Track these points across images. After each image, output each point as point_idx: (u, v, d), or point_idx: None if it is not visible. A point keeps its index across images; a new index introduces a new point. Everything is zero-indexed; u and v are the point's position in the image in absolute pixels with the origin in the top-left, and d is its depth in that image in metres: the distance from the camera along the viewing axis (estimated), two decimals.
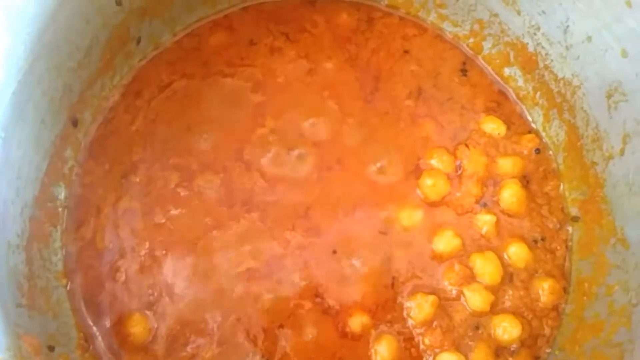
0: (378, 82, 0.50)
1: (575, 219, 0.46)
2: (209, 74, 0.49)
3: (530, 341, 0.44)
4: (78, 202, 0.45)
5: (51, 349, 0.36)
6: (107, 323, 0.42)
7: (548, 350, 0.43)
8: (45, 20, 0.35)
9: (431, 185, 0.47)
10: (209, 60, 0.50)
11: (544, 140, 0.49)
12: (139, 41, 0.47)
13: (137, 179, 0.46)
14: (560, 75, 0.45)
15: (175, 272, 0.44)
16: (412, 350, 0.43)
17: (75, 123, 0.44)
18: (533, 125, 0.50)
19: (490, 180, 0.48)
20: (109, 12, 0.41)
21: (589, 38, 0.40)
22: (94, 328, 0.42)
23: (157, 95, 0.48)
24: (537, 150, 0.49)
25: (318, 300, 0.44)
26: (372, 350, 0.43)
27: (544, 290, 0.45)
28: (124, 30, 0.44)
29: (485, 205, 0.47)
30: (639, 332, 0.35)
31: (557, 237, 0.47)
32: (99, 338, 0.42)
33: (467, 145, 0.48)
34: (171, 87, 0.49)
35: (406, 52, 0.52)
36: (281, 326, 0.44)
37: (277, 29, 0.51)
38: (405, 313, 0.44)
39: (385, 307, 0.44)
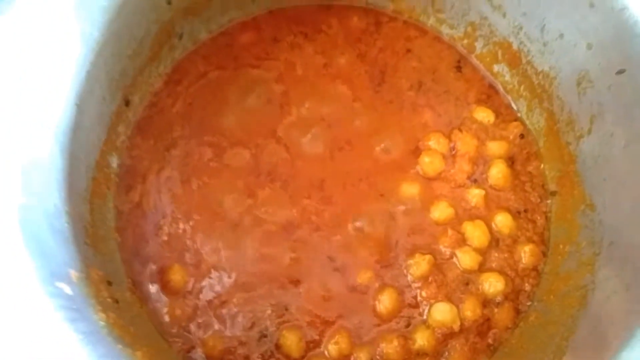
0: (384, 76, 0.58)
1: (553, 193, 0.53)
2: (239, 66, 0.57)
3: (512, 295, 0.50)
4: (127, 171, 0.52)
5: (110, 283, 0.43)
6: (151, 272, 0.50)
7: (528, 304, 0.50)
8: (113, 12, 0.42)
9: (429, 163, 0.54)
10: (239, 55, 0.58)
11: (527, 127, 0.57)
12: (181, 37, 0.55)
13: (177, 153, 0.54)
14: (539, 69, 0.53)
15: (207, 231, 0.51)
16: (411, 300, 0.50)
17: (127, 103, 0.52)
18: (518, 114, 0.57)
19: (480, 160, 0.55)
20: (161, 9, 0.49)
21: (562, 35, 0.48)
22: (140, 276, 0.49)
23: (195, 83, 0.56)
24: (522, 136, 0.56)
25: (329, 259, 0.52)
26: (376, 301, 0.50)
27: (525, 253, 0.52)
28: (170, 26, 0.52)
29: (475, 181, 0.54)
30: (599, 275, 0.42)
31: (537, 209, 0.54)
32: (144, 284, 0.49)
33: (460, 130, 0.56)
34: (207, 76, 0.57)
35: (409, 50, 0.60)
36: (298, 281, 0.51)
37: (297, 29, 0.59)
38: (405, 270, 0.51)
39: (387, 265, 0.51)
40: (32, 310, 0.29)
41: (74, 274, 0.35)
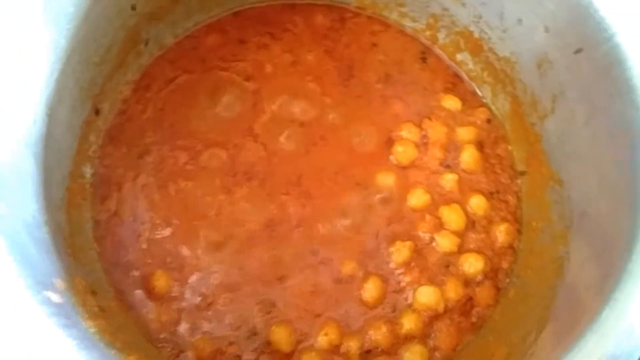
0: (352, 70, 0.59)
1: (522, 173, 0.55)
2: (207, 69, 0.57)
3: (491, 274, 0.52)
4: (102, 180, 0.52)
5: (94, 293, 0.42)
6: (134, 279, 0.49)
7: (507, 280, 0.52)
8: (80, 19, 0.42)
9: (402, 152, 0.55)
10: (206, 58, 0.58)
11: (493, 111, 0.59)
12: (147, 42, 0.54)
13: (151, 159, 0.53)
14: (501, 55, 0.55)
15: (188, 234, 0.51)
16: (395, 286, 0.51)
17: (97, 112, 0.51)
18: (484, 100, 0.59)
19: (451, 146, 0.57)
20: (126, 15, 0.49)
21: (520, 20, 0.50)
22: (123, 284, 0.49)
23: (164, 88, 0.56)
24: (488, 121, 0.58)
25: (313, 254, 0.52)
26: (362, 290, 0.51)
27: (501, 232, 0.53)
28: (136, 32, 0.52)
29: (448, 166, 0.56)
30: (572, 245, 0.44)
31: (509, 190, 0.56)
32: (128, 292, 0.49)
33: (430, 118, 0.57)
34: (175, 81, 0.56)
35: (374, 45, 0.61)
36: (283, 277, 0.51)
37: (263, 29, 0.60)
38: (387, 258, 0.52)
39: (370, 254, 0.52)
40: (26, 317, 0.28)
41: (59, 283, 0.34)
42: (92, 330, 0.34)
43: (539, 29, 0.48)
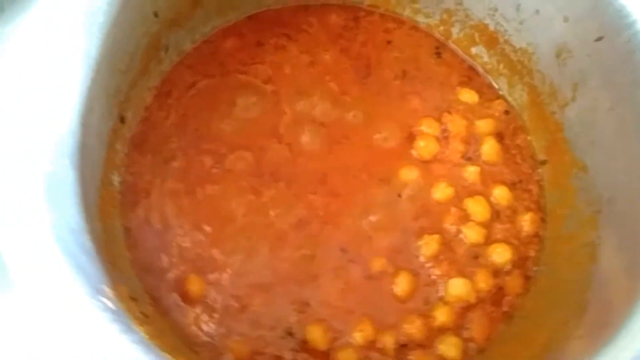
0: (369, 68, 0.60)
1: (543, 162, 0.56)
2: (226, 73, 0.58)
3: (520, 263, 0.53)
4: (129, 188, 0.52)
5: (133, 299, 0.43)
6: (167, 286, 0.49)
7: (535, 268, 0.52)
8: (109, 27, 0.42)
9: (424, 146, 0.56)
10: (225, 62, 0.58)
11: (510, 103, 0.59)
12: (167, 49, 0.55)
13: (177, 164, 0.53)
14: (517, 47, 0.56)
15: (219, 238, 0.51)
16: (426, 280, 0.52)
17: (122, 120, 0.51)
18: (500, 92, 0.60)
19: (472, 139, 0.57)
20: (149, 22, 0.49)
21: (537, 11, 0.51)
22: (158, 290, 0.49)
23: (185, 94, 0.56)
24: (506, 112, 0.59)
25: (342, 252, 0.52)
26: (393, 285, 0.51)
27: (526, 221, 0.54)
28: (157, 38, 0.52)
29: (469, 159, 0.57)
30: (604, 230, 0.45)
31: (531, 179, 0.56)
32: (163, 298, 0.49)
33: (449, 112, 0.58)
34: (195, 86, 0.57)
35: (389, 42, 0.62)
36: (315, 276, 0.51)
37: (279, 31, 0.60)
38: (416, 252, 0.52)
39: (398, 250, 0.52)
40: (91, 323, 0.28)
41: (108, 290, 0.35)
42: (144, 335, 0.34)
43: (558, 19, 0.49)
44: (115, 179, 0.51)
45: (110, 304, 0.31)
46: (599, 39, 0.45)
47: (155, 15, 0.49)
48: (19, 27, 0.34)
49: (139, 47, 0.50)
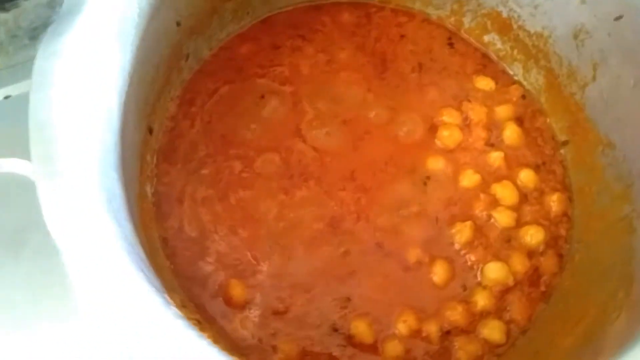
0: (386, 63, 0.60)
1: (565, 143, 0.57)
2: (246, 77, 0.58)
3: (552, 242, 0.53)
4: (162, 199, 0.52)
5: (184, 307, 0.43)
6: (210, 292, 0.49)
7: (568, 246, 0.53)
8: (138, 40, 0.42)
9: (448, 136, 0.56)
10: (243, 67, 0.58)
11: (526, 87, 0.60)
12: (187, 58, 0.55)
13: (207, 172, 0.53)
14: (532, 31, 0.57)
15: (255, 241, 0.52)
16: (463, 266, 0.52)
17: (150, 131, 0.52)
18: (515, 78, 0.61)
19: (493, 125, 0.58)
20: (172, 32, 0.49)
21: None
22: (200, 298, 0.49)
23: (208, 101, 0.56)
24: (523, 97, 0.60)
25: (378, 246, 0.53)
26: (431, 274, 0.52)
27: (554, 202, 0.55)
28: (178, 48, 0.52)
29: (492, 145, 0.57)
30: (638, 202, 0.46)
31: (554, 160, 0.57)
32: (207, 305, 0.49)
33: (469, 101, 0.59)
34: (217, 92, 0.57)
35: (402, 36, 0.62)
36: (353, 272, 0.52)
37: (293, 33, 0.61)
38: (450, 240, 0.53)
39: (433, 239, 0.53)
40: (170, 331, 0.29)
41: (167, 298, 0.35)
42: (208, 340, 0.34)
43: (574, 1, 0.50)
44: (149, 190, 0.51)
45: (178, 312, 0.32)
46: (619, 17, 0.46)
47: (178, 24, 0.50)
48: (63, 44, 0.34)
49: (162, 57, 0.50)
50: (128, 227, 0.37)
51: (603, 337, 0.39)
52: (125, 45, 0.40)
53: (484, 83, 0.60)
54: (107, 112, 0.38)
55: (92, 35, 0.36)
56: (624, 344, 0.35)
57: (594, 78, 0.52)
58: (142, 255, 0.37)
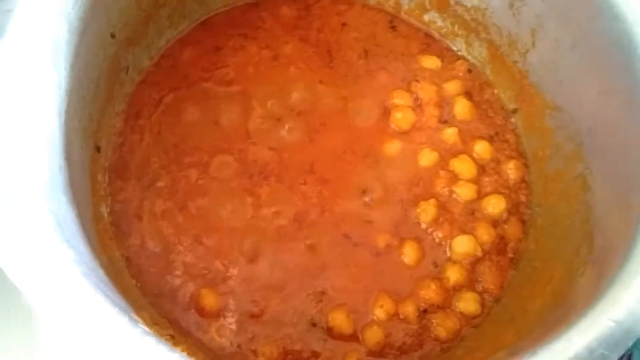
0: (331, 53, 0.60)
1: (514, 111, 0.58)
2: (191, 83, 0.57)
3: (514, 209, 0.54)
4: (120, 217, 0.50)
5: (156, 324, 0.42)
6: (182, 305, 0.48)
7: (529, 212, 0.54)
8: (73, 56, 0.41)
9: (401, 118, 0.57)
10: (187, 72, 0.57)
11: (471, 62, 0.61)
12: (127, 70, 0.53)
13: (163, 184, 0.52)
14: (469, 5, 0.57)
15: (222, 248, 0.51)
16: (431, 244, 0.53)
17: (98, 149, 0.50)
18: (459, 53, 0.62)
19: (443, 102, 0.59)
20: (107, 44, 0.48)
21: None
22: (173, 313, 0.48)
23: (154, 112, 0.55)
24: (469, 71, 0.61)
25: (345, 237, 0.53)
26: (402, 256, 0.52)
27: (511, 169, 0.56)
28: (116, 60, 0.51)
29: (446, 122, 0.58)
30: (590, 160, 0.47)
31: (506, 129, 0.58)
32: (180, 318, 0.48)
33: (417, 81, 0.59)
34: (163, 101, 0.55)
35: (344, 24, 0.62)
36: (324, 266, 0.51)
37: (234, 32, 0.60)
38: (416, 220, 0.53)
39: (399, 222, 0.53)
40: (139, 349, 0.28)
41: (135, 317, 0.34)
42: (184, 353, 0.33)
43: None
44: (104, 210, 0.49)
45: (147, 330, 0.31)
46: None
47: (112, 36, 0.48)
48: None
49: (101, 72, 0.48)
50: (84, 250, 0.35)
51: (570, 295, 0.40)
52: (59, 62, 0.39)
53: (430, 62, 0.61)
54: (47, 134, 0.36)
55: (20, 57, 0.34)
56: (590, 299, 0.36)
57: (533, 44, 0.53)
58: (103, 277, 0.36)
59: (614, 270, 0.37)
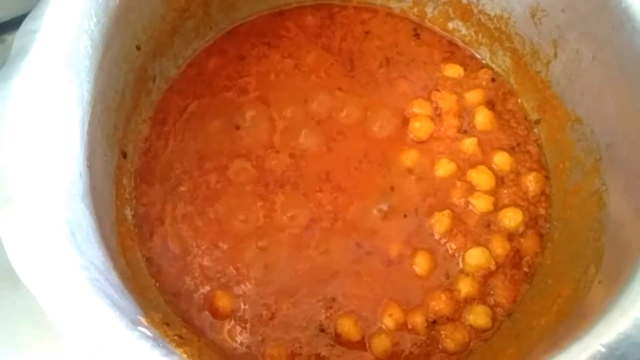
0: (353, 61, 0.61)
1: (537, 121, 0.57)
2: (215, 92, 0.59)
3: (532, 223, 0.54)
4: (143, 219, 0.53)
5: (167, 324, 0.44)
6: (197, 306, 0.51)
7: (548, 225, 0.53)
8: (96, 70, 0.43)
9: (420, 127, 0.57)
10: (212, 81, 0.59)
11: (495, 70, 0.60)
12: (154, 79, 0.56)
13: (184, 189, 0.55)
14: (492, 14, 0.57)
15: (237, 251, 0.52)
16: (444, 255, 0.53)
17: (125, 155, 0.53)
18: (483, 61, 0.61)
19: (464, 112, 0.58)
20: (133, 57, 0.50)
21: None
22: (188, 312, 0.50)
23: (179, 119, 0.57)
24: (493, 80, 0.60)
25: (358, 245, 0.53)
26: (414, 266, 0.52)
27: (531, 182, 0.55)
28: (143, 71, 0.53)
29: (465, 132, 0.57)
30: (607, 176, 0.45)
31: (528, 140, 0.57)
32: (195, 318, 0.50)
33: (438, 90, 0.59)
34: (187, 110, 0.58)
35: (367, 32, 0.63)
36: (336, 272, 0.52)
37: (259, 41, 0.61)
38: (429, 230, 0.54)
39: (413, 232, 0.53)
40: (133, 352, 0.30)
41: (142, 319, 0.36)
42: (184, 356, 0.35)
43: None
44: (128, 213, 0.52)
45: (148, 332, 0.33)
46: None
47: (138, 48, 0.51)
48: (12, 87, 0.35)
49: (127, 83, 0.51)
50: (98, 254, 0.38)
51: (573, 314, 0.39)
52: (80, 77, 0.41)
53: (453, 70, 0.60)
54: (66, 144, 0.39)
55: (43, 73, 0.37)
56: (594, 319, 0.35)
57: (555, 55, 0.51)
58: (114, 280, 0.38)
59: (620, 289, 0.36)
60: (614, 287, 0.36)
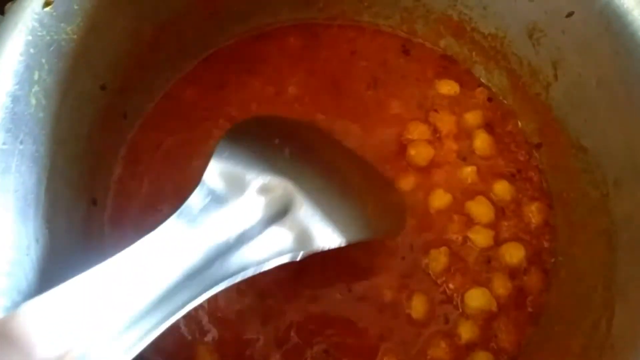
0: (339, 84, 0.57)
1: (538, 145, 0.53)
2: (192, 125, 0.55)
3: (535, 258, 0.50)
4: None
5: None
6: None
7: (553, 260, 0.50)
8: (52, 120, 0.40)
9: (415, 155, 0.52)
10: (190, 114, 0.55)
11: (492, 89, 0.56)
12: (125, 116, 0.52)
13: None
14: (486, 32, 0.52)
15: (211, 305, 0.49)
16: (442, 297, 0.49)
17: (94, 202, 0.49)
18: (481, 80, 0.57)
19: (463, 134, 0.54)
20: (97, 98, 0.46)
21: None
22: None
23: (153, 158, 0.53)
24: (490, 99, 0.56)
25: (349, 291, 0.49)
26: (409, 310, 0.49)
27: (533, 212, 0.51)
28: (111, 109, 0.49)
29: (465, 159, 0.53)
30: (615, 215, 0.42)
31: (529, 166, 0.53)
32: None
33: (436, 110, 0.54)
34: (161, 147, 0.54)
35: (353, 52, 0.58)
36: (327, 322, 0.48)
37: (238, 68, 0.57)
38: (425, 270, 0.50)
39: (407, 273, 0.50)
40: None
41: None
42: None
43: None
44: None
45: None
46: (570, 14, 0.42)
47: (103, 88, 0.47)
48: None
49: (93, 124, 0.47)
50: None
51: None
52: (33, 133, 0.38)
53: (448, 87, 0.56)
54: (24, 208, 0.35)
55: None
56: None
57: (555, 77, 0.47)
58: None
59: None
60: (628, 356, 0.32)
